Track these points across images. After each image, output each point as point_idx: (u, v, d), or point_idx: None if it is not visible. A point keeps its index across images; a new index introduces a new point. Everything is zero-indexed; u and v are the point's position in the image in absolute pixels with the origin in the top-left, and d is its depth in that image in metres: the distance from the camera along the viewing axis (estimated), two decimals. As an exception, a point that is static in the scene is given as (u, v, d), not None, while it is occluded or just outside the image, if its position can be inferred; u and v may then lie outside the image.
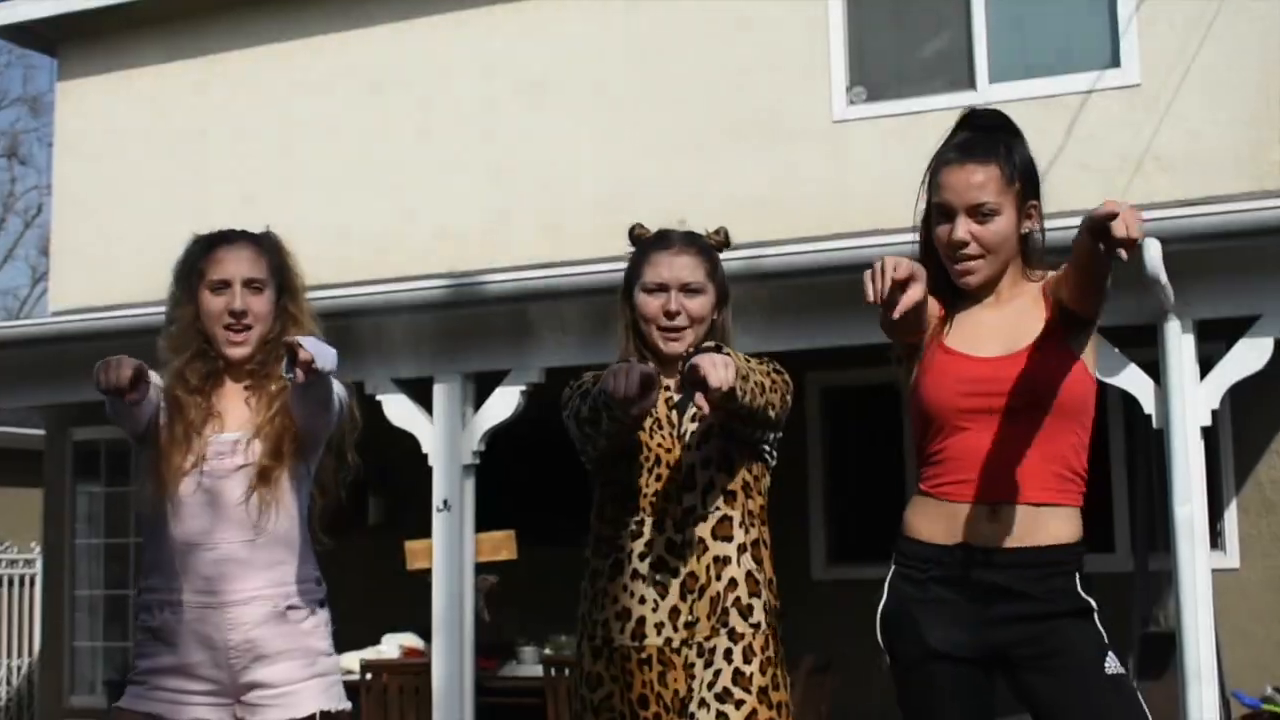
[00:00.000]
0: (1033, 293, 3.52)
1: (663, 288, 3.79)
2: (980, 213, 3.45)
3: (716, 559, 3.66)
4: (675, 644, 3.65)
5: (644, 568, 3.69)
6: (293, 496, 3.85)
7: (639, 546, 3.71)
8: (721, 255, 3.97)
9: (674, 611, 3.65)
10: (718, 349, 3.53)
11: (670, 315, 3.77)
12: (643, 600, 3.68)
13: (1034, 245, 3.57)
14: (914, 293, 3.17)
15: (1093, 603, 3.41)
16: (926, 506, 3.55)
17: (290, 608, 3.78)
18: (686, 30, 11.05)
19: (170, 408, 3.81)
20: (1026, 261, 3.57)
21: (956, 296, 3.59)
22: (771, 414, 3.65)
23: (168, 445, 3.78)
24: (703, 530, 3.68)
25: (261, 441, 3.79)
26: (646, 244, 3.90)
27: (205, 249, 3.93)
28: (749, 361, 3.61)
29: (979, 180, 3.44)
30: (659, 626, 3.66)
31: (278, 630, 3.75)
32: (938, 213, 3.52)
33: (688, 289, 3.78)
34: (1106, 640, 3.41)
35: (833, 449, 10.79)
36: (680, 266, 3.80)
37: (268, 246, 3.98)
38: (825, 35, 10.63)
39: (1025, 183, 3.49)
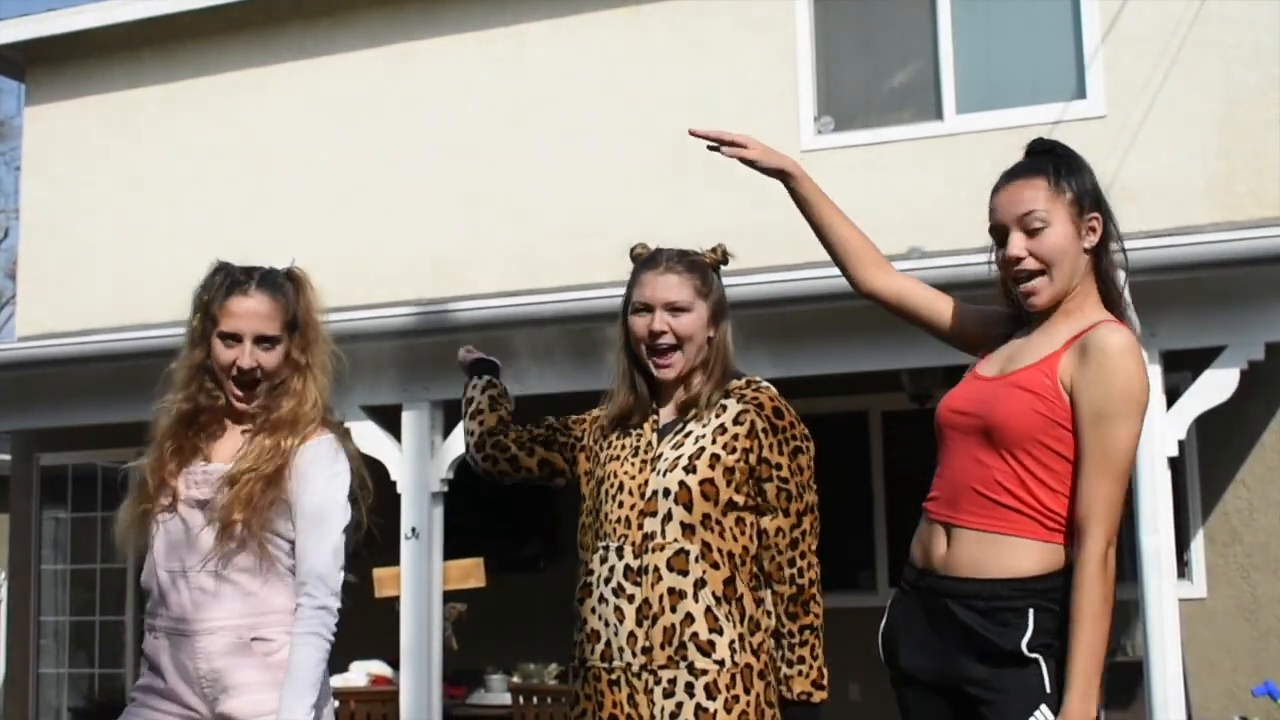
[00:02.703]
0: (1072, 329, 3.36)
1: (648, 307, 3.77)
2: (1030, 223, 3.33)
3: (671, 590, 3.62)
4: (635, 668, 3.64)
5: (607, 592, 3.69)
6: (270, 527, 3.77)
7: (604, 571, 3.71)
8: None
9: (631, 636, 3.64)
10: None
11: (654, 335, 3.74)
12: (607, 624, 3.68)
13: (1110, 269, 3.45)
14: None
15: (1031, 649, 3.22)
16: (921, 524, 3.51)
17: (257, 639, 3.71)
18: (656, 60, 11.08)
19: (158, 443, 3.82)
20: (1106, 294, 3.44)
21: (1021, 324, 3.51)
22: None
23: (149, 483, 3.77)
24: (659, 559, 3.64)
25: (231, 491, 3.72)
26: (639, 264, 3.89)
27: (223, 293, 3.84)
28: (796, 544, 3.71)
29: (1025, 193, 3.36)
30: (620, 650, 3.66)
31: (244, 661, 3.69)
32: (994, 240, 3.43)
33: (673, 308, 3.75)
34: (1049, 690, 3.21)
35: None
36: (663, 285, 3.77)
37: (286, 297, 3.89)
38: (793, 65, 10.68)
39: (1080, 194, 3.38)
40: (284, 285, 3.90)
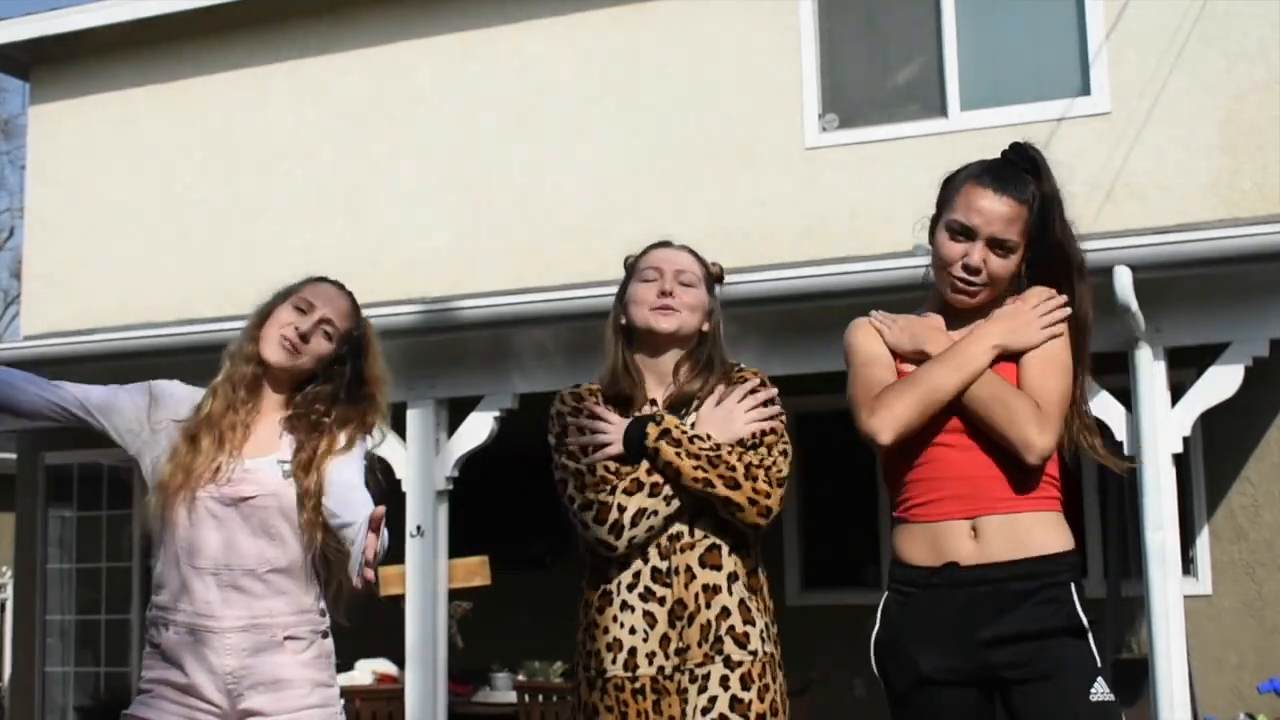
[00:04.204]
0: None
1: (659, 273, 3.78)
2: (1001, 247, 3.49)
3: (706, 587, 3.62)
4: (668, 670, 3.61)
5: (632, 598, 3.65)
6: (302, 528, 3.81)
7: (626, 576, 3.67)
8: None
9: (664, 639, 3.62)
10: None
11: (663, 294, 3.75)
12: (633, 630, 3.64)
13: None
14: None
15: (1086, 621, 3.38)
16: (909, 531, 3.53)
17: (289, 638, 3.74)
18: (661, 58, 11.08)
19: (200, 419, 3.81)
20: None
21: (943, 315, 3.64)
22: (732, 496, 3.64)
23: (183, 460, 3.76)
24: (690, 558, 3.64)
25: (311, 475, 3.78)
26: (647, 247, 3.92)
27: (314, 279, 4.00)
28: (721, 453, 3.64)
29: (1009, 215, 3.48)
30: (650, 656, 3.62)
31: (275, 660, 3.72)
32: (957, 229, 3.53)
33: (682, 277, 3.78)
34: (1099, 663, 3.38)
35: (807, 476, 10.80)
36: (677, 259, 3.83)
37: (363, 320, 4.03)
38: (797, 63, 10.67)
39: (1038, 233, 3.54)
40: (361, 311, 4.05)
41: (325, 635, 3.87)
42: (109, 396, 3.90)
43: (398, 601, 9.10)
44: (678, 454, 3.60)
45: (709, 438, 3.64)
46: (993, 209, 3.48)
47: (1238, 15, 9.67)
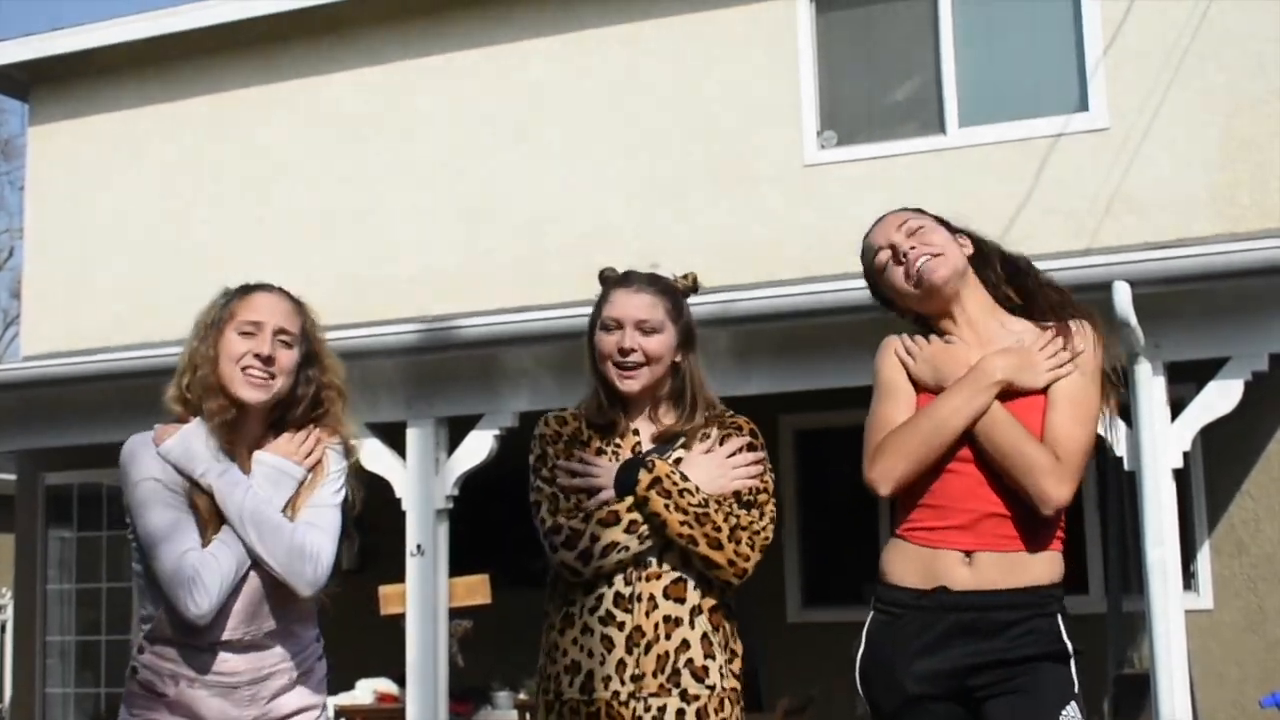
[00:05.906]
0: (1030, 337, 3.56)
1: (618, 324, 3.75)
2: (922, 250, 3.65)
3: (667, 618, 3.62)
4: (623, 697, 3.60)
5: (593, 621, 3.66)
6: None
7: (589, 600, 3.67)
8: (693, 299, 3.94)
9: (620, 664, 3.61)
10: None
11: (624, 352, 3.72)
12: (591, 654, 3.64)
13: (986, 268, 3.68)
14: None
15: (1071, 647, 3.38)
16: (903, 551, 3.53)
17: (303, 674, 3.72)
18: (661, 75, 11.10)
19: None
20: (993, 286, 3.68)
21: (927, 329, 3.66)
22: (714, 557, 3.65)
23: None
24: (654, 587, 3.64)
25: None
26: (610, 283, 3.88)
27: (240, 293, 3.66)
28: (709, 507, 3.65)
29: (913, 224, 3.70)
30: (606, 680, 3.61)
31: (292, 695, 3.69)
32: (889, 260, 3.76)
33: (643, 326, 3.73)
34: (1077, 689, 3.36)
35: (806, 492, 10.80)
36: (635, 305, 3.76)
37: (304, 308, 3.74)
38: (795, 80, 10.68)
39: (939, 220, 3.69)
40: (299, 300, 3.76)
41: (321, 659, 3.83)
42: (181, 518, 3.57)
43: (398, 621, 9.09)
44: (667, 506, 3.60)
45: (698, 491, 3.63)
46: (881, 232, 3.90)
47: (1236, 30, 9.69)
